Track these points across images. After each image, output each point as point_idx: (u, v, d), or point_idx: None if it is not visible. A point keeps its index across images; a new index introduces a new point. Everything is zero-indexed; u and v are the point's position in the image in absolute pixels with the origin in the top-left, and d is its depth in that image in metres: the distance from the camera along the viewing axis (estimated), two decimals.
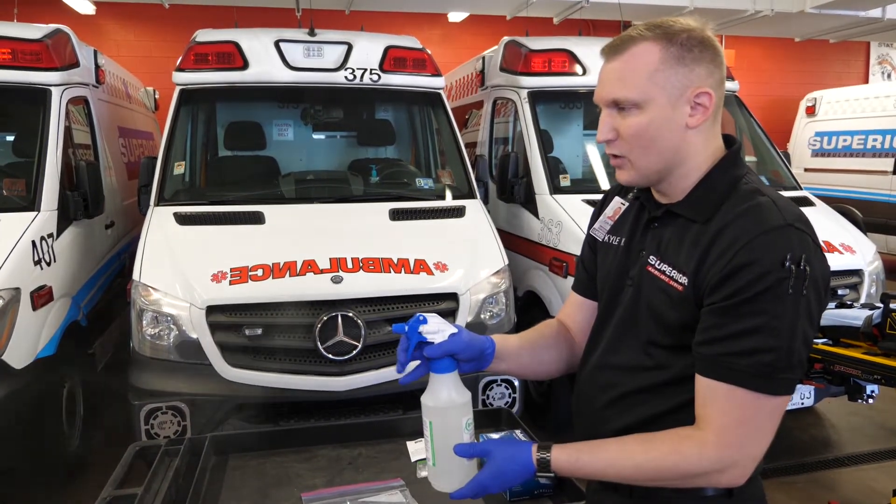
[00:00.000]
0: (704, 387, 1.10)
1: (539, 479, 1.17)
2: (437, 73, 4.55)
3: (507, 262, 3.67)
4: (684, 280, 1.14)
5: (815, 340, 2.77)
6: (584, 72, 4.77)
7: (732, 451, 1.07)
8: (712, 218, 1.14)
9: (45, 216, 3.60)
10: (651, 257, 1.22)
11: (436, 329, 1.20)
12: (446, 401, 1.19)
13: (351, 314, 3.13)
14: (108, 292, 4.46)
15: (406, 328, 1.21)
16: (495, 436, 1.66)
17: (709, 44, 1.15)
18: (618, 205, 1.38)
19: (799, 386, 3.42)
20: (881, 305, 2.55)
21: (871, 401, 2.75)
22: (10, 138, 4.30)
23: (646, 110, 1.14)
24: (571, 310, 1.50)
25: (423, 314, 1.22)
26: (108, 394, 4.28)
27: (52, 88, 3.96)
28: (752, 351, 1.04)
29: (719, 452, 1.07)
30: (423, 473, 1.62)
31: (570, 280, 1.66)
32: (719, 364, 1.07)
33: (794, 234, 1.07)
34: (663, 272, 1.18)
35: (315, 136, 5.01)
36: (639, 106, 1.14)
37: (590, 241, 1.44)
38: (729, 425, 1.07)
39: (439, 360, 1.20)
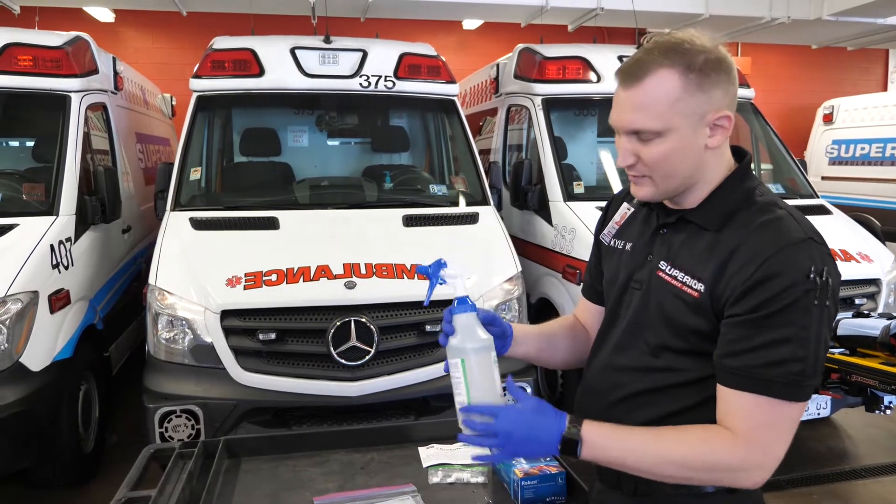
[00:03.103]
0: (730, 398, 1.11)
1: (561, 448, 1.16)
2: (451, 80, 4.57)
3: (520, 268, 3.67)
4: (700, 287, 1.15)
5: (832, 350, 2.75)
6: (599, 79, 4.77)
7: (759, 453, 1.09)
8: (725, 226, 1.16)
9: (64, 220, 3.65)
10: (661, 262, 1.23)
11: (455, 273, 1.29)
12: (474, 337, 1.23)
13: (364, 320, 3.14)
14: (124, 296, 4.50)
15: (429, 269, 1.30)
16: None
17: (724, 64, 1.14)
18: (625, 210, 1.40)
19: (815, 396, 3.40)
20: None
21: (888, 412, 2.72)
22: (30, 143, 4.37)
23: (667, 138, 1.14)
24: (582, 312, 1.54)
25: (444, 259, 1.30)
26: (124, 397, 4.33)
27: (72, 95, 4.02)
28: (783, 361, 1.06)
29: (747, 452, 1.09)
30: (434, 479, 1.62)
31: None
32: (747, 375, 1.08)
33: (814, 247, 1.09)
34: (675, 277, 1.20)
35: (330, 143, 5.04)
36: (660, 134, 1.14)
37: (597, 245, 1.47)
38: (756, 429, 1.09)
39: (461, 303, 1.25)
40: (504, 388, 1.25)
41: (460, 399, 1.23)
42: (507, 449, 1.16)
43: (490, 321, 1.29)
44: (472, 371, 1.21)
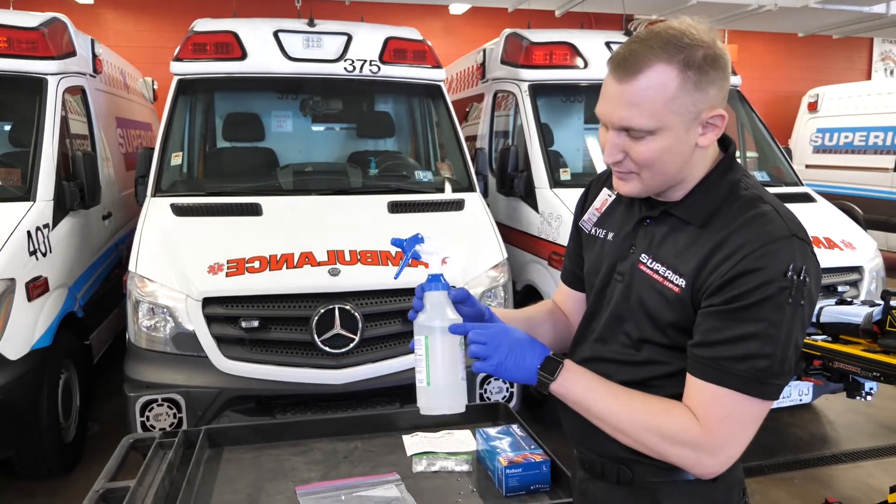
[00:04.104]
0: (695, 386, 1.11)
1: (540, 375, 1.16)
2: (437, 65, 4.52)
3: (506, 255, 3.66)
4: (681, 282, 1.14)
5: (815, 337, 2.77)
6: (586, 65, 4.74)
7: (714, 442, 1.09)
8: (710, 222, 1.14)
9: (41, 206, 3.57)
10: (643, 255, 1.21)
11: (432, 250, 1.25)
12: (442, 316, 1.21)
13: (348, 307, 3.11)
14: (105, 284, 4.44)
15: (404, 243, 1.27)
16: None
17: (722, 61, 1.10)
18: (605, 196, 1.37)
19: (798, 382, 3.43)
20: (881, 303, 2.54)
21: (869, 398, 2.75)
22: (6, 128, 4.27)
23: (659, 137, 1.10)
24: (562, 298, 1.51)
25: (422, 234, 1.27)
26: (106, 385, 4.28)
27: (49, 77, 3.93)
28: (749, 356, 1.06)
29: (704, 437, 1.09)
30: (418, 468, 1.61)
31: None
32: (714, 367, 1.08)
33: (797, 244, 1.08)
34: (656, 272, 1.18)
35: (314, 128, 4.98)
36: (652, 133, 1.10)
37: (576, 232, 1.44)
38: (716, 420, 1.08)
39: (433, 280, 1.22)
40: (467, 371, 1.22)
41: (420, 377, 1.21)
42: (493, 359, 1.15)
43: (462, 300, 1.25)
44: (434, 350, 1.19)
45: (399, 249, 1.28)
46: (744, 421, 1.09)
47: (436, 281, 1.22)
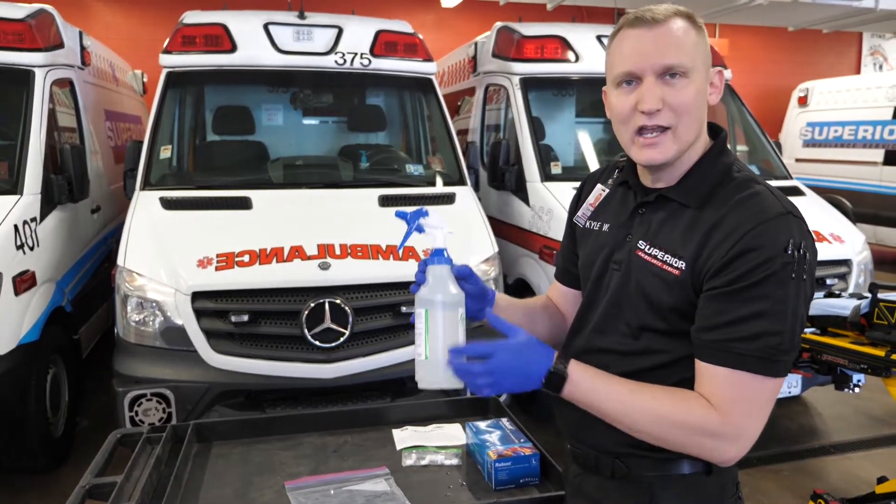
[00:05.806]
0: (706, 371, 1.10)
1: (545, 382, 1.14)
2: (428, 59, 4.50)
3: (497, 249, 3.65)
4: (681, 265, 1.14)
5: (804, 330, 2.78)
6: (577, 59, 4.73)
7: (733, 426, 1.08)
8: (707, 204, 1.15)
9: (28, 200, 3.54)
10: (640, 242, 1.22)
11: (436, 224, 1.28)
12: (444, 290, 1.20)
13: (338, 301, 3.10)
14: (94, 278, 4.41)
15: (408, 216, 1.29)
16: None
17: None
18: (599, 191, 1.38)
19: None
20: (869, 295, 2.55)
21: (857, 390, 2.76)
22: None
23: (692, 80, 1.14)
24: (556, 295, 1.53)
25: (427, 208, 1.29)
26: (98, 380, 4.26)
27: (36, 70, 3.89)
28: (759, 335, 1.06)
29: (723, 421, 1.08)
30: (408, 462, 1.61)
31: None
32: (723, 349, 1.08)
33: (793, 221, 1.09)
34: (655, 256, 1.18)
35: (305, 121, 4.95)
36: (687, 75, 1.14)
37: (570, 228, 1.45)
38: (731, 403, 1.08)
39: (437, 255, 1.23)
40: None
41: (419, 351, 1.20)
42: (497, 386, 1.14)
43: (465, 276, 1.26)
44: (434, 324, 1.18)
45: (403, 220, 1.29)
46: (758, 401, 1.09)
47: (439, 255, 1.23)
